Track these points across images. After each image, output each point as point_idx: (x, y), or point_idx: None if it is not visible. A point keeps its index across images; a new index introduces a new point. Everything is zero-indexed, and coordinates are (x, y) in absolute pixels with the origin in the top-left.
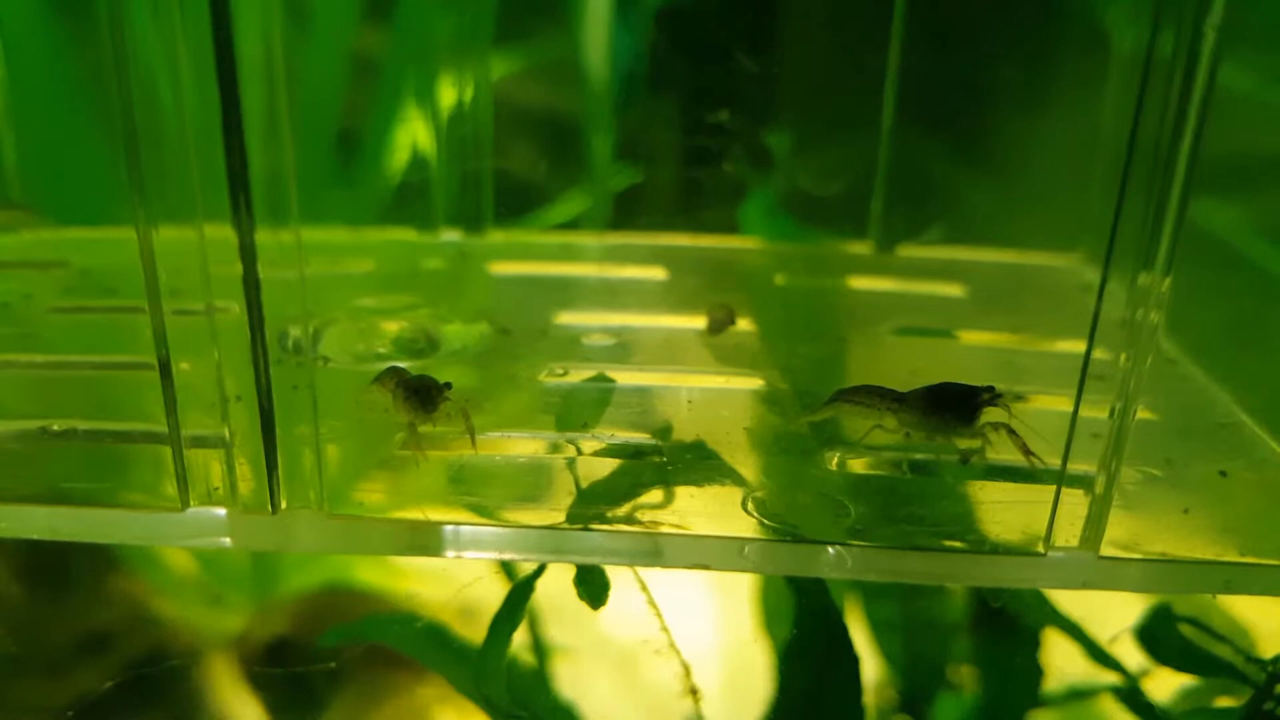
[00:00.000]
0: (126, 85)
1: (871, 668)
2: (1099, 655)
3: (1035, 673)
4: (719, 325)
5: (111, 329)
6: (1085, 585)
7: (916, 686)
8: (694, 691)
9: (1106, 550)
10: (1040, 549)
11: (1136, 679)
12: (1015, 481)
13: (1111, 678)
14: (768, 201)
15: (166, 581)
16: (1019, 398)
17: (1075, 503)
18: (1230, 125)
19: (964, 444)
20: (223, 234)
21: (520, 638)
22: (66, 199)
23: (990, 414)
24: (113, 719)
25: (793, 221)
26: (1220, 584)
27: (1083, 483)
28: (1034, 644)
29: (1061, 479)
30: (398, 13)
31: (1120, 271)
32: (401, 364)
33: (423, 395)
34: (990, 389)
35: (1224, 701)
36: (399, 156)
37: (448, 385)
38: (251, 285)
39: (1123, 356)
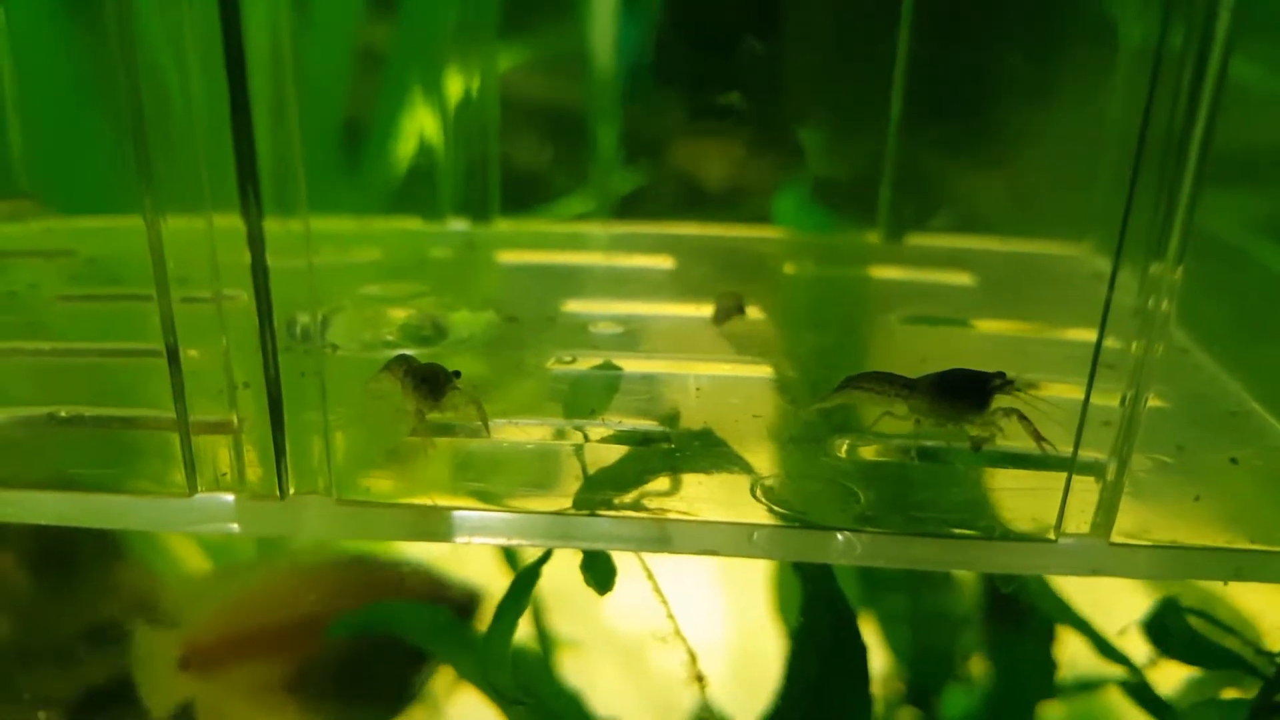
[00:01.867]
0: (134, 74)
1: (880, 660)
2: (1105, 648)
3: (1048, 665)
4: (725, 314)
5: (117, 317)
6: (1095, 572)
7: (924, 679)
8: (700, 678)
9: (1117, 537)
10: (1051, 535)
11: (1144, 671)
12: (1025, 468)
13: (1118, 670)
14: (800, 194)
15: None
16: (1030, 384)
17: (1086, 490)
18: (1243, 118)
19: (975, 430)
20: (231, 223)
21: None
22: (73, 188)
23: (1001, 400)
24: (118, 710)
25: (825, 213)
26: (1230, 571)
27: (1094, 470)
28: (1046, 637)
29: (1073, 466)
30: (405, 2)
31: (1131, 261)
32: (409, 352)
33: (431, 383)
34: (1001, 375)
35: (1232, 694)
36: (406, 146)
37: (456, 374)
38: (259, 273)
39: (1134, 345)
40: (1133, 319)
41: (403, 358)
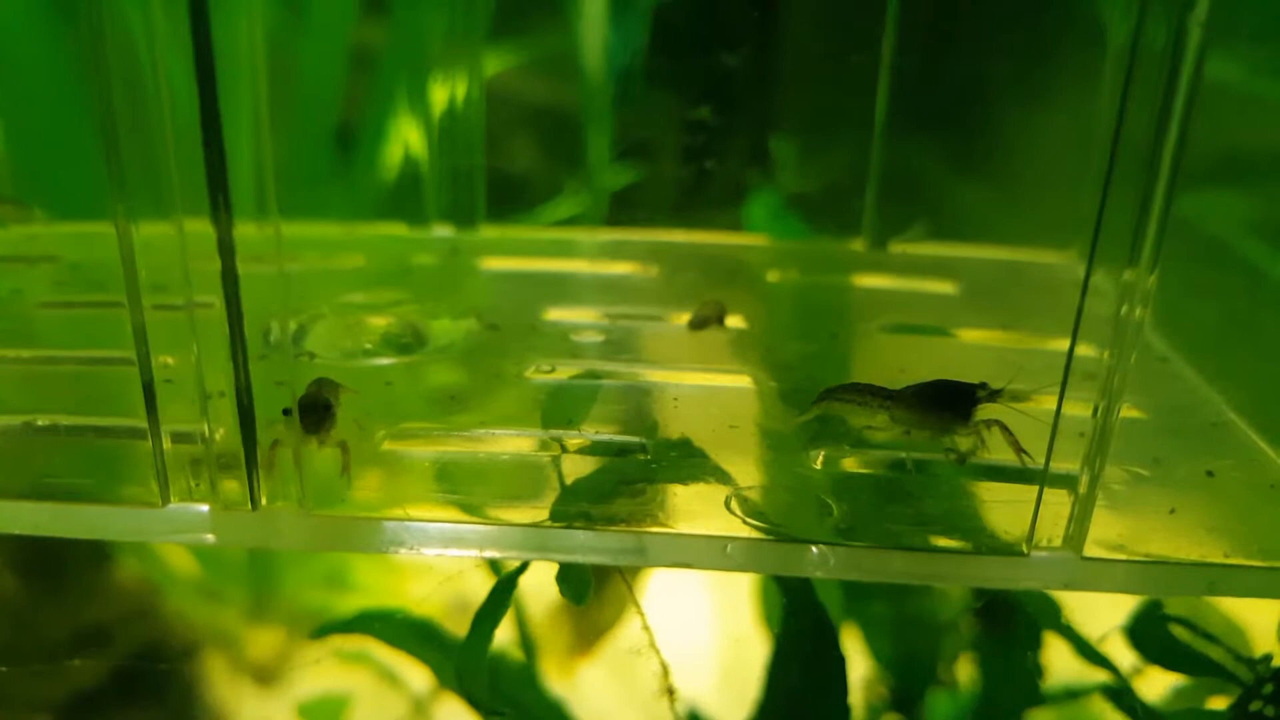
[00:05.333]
0: (106, 79)
1: (862, 667)
2: (1088, 654)
3: (1033, 672)
4: (702, 321)
5: (100, 324)
6: (1068, 586)
7: (908, 684)
8: (671, 691)
9: (1090, 550)
10: (1024, 549)
11: (1127, 678)
12: (1001, 481)
13: (1101, 676)
14: (773, 202)
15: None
16: (1016, 395)
17: (1060, 503)
18: (1224, 120)
19: (959, 441)
20: (207, 229)
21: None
22: (58, 193)
23: (986, 411)
24: (108, 713)
25: (799, 222)
26: (1204, 585)
27: (1067, 482)
28: (1031, 643)
29: (1044, 478)
30: (394, 7)
31: (1109, 268)
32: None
33: (303, 412)
34: (984, 385)
35: (1213, 701)
36: (392, 152)
37: (329, 409)
38: (230, 281)
39: (1105, 353)
40: (1109, 327)
41: (318, 381)
